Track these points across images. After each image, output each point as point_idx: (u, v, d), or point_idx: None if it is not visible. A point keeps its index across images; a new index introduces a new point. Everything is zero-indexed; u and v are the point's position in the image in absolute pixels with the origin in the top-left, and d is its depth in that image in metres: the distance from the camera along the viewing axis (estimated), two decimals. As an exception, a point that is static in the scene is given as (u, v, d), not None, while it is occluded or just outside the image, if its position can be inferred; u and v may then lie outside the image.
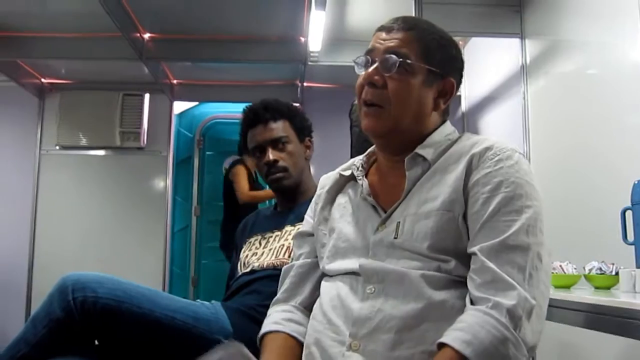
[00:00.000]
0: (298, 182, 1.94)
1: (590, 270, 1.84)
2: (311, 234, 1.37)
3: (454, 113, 4.51)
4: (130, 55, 4.16)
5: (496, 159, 1.12)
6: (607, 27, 2.56)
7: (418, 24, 1.23)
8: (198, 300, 1.71)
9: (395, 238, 1.14)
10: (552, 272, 1.89)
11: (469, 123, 4.37)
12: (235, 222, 4.14)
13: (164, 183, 5.22)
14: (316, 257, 1.33)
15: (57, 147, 5.14)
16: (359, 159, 1.33)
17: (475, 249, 1.06)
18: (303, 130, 2.01)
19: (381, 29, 1.24)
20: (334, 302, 1.17)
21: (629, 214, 1.88)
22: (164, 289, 5.01)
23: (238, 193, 4.53)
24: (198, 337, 1.56)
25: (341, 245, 1.24)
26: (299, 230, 1.42)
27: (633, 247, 1.84)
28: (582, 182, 2.72)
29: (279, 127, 1.94)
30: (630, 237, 1.87)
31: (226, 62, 4.69)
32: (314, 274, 1.33)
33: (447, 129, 1.25)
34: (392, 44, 1.19)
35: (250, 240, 1.96)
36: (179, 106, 5.53)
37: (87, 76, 5.12)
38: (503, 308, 0.98)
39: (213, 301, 1.75)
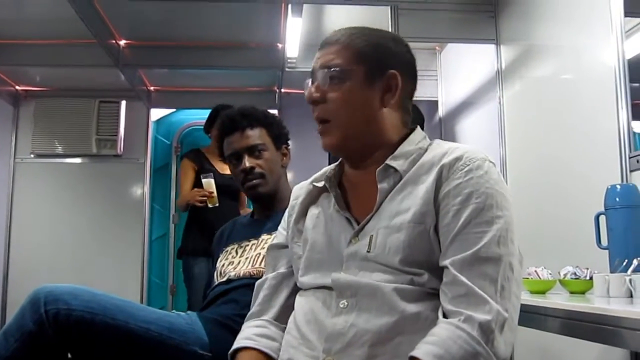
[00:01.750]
0: (275, 189, 1.94)
1: (565, 275, 1.85)
2: (285, 246, 1.35)
3: (432, 118, 4.53)
4: (106, 62, 4.11)
5: (466, 169, 1.10)
6: (580, 32, 2.59)
7: (349, 33, 1.24)
8: (174, 310, 1.69)
9: (368, 252, 1.13)
10: (528, 278, 1.90)
11: (446, 128, 4.39)
12: (200, 225, 3.96)
13: (141, 190, 5.16)
14: (290, 267, 1.32)
15: (32, 156, 5.05)
16: (330, 169, 1.32)
17: (447, 262, 1.05)
18: (280, 138, 2.01)
19: (319, 47, 1.27)
20: (308, 317, 1.16)
21: (602, 218, 1.91)
22: (142, 299, 4.95)
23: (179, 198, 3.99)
24: (174, 348, 1.54)
25: (314, 257, 1.22)
26: (272, 243, 1.40)
27: (607, 251, 1.87)
28: (556, 187, 2.74)
29: (256, 135, 1.94)
30: (604, 241, 1.90)
31: (203, 69, 4.64)
32: (288, 285, 1.31)
33: (418, 137, 1.23)
34: (324, 60, 1.22)
35: (227, 249, 1.95)
36: (156, 113, 5.47)
37: (63, 83, 5.03)
38: (475, 322, 0.98)
39: (189, 311, 1.74)
